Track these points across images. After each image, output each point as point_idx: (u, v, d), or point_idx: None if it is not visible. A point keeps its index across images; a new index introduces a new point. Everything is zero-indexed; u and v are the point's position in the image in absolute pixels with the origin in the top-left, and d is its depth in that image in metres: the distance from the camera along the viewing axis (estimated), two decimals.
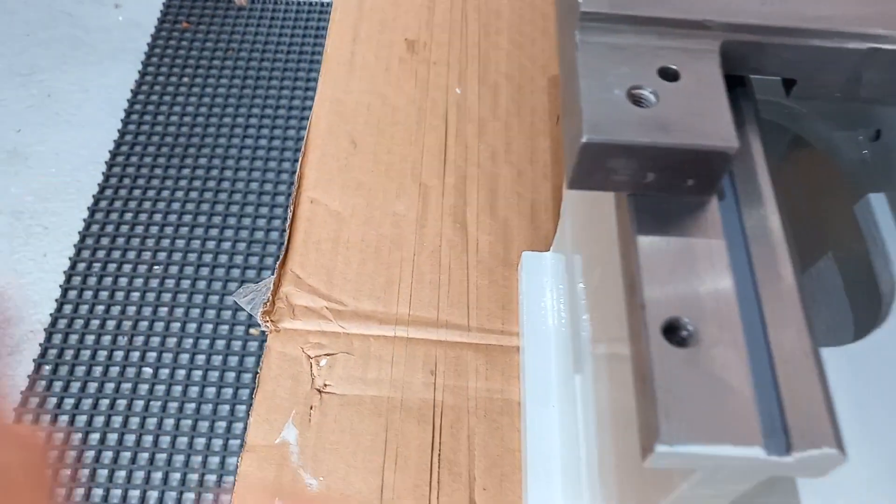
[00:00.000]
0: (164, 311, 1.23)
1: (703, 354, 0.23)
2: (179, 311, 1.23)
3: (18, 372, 1.21)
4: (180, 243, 1.31)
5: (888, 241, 0.32)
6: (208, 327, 1.21)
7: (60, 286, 1.27)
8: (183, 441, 1.12)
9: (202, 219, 1.33)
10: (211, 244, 1.30)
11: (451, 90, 0.58)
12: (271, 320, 0.47)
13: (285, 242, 0.50)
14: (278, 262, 0.49)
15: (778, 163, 0.42)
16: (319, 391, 0.45)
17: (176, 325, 1.22)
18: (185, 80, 1.49)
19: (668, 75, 0.25)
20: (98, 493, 1.10)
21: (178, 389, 1.16)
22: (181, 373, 1.18)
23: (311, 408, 0.45)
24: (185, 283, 1.26)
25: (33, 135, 1.47)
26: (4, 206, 1.37)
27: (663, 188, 0.25)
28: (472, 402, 0.46)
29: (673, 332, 0.23)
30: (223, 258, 1.29)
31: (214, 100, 1.47)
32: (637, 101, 0.25)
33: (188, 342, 1.20)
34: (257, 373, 0.45)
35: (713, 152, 0.24)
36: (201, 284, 1.26)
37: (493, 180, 0.54)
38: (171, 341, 1.21)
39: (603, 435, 0.34)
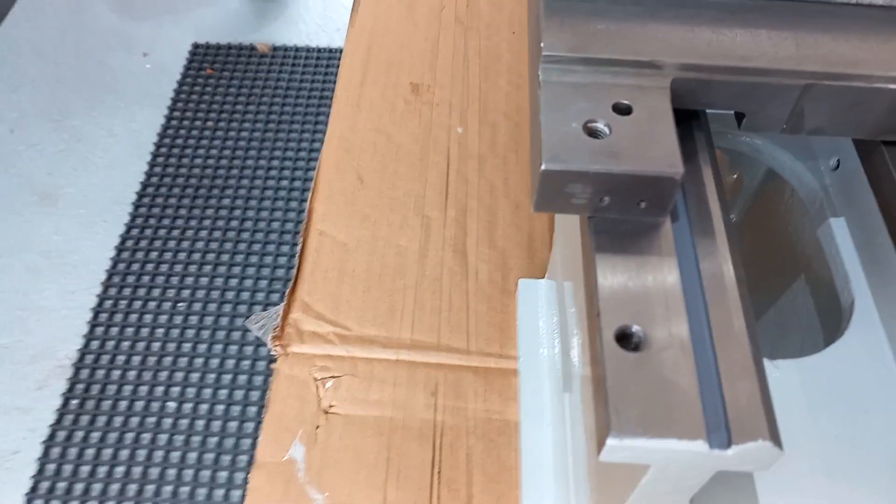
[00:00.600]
0: (187, 346, 1.27)
1: (652, 358, 0.25)
2: (202, 347, 1.27)
3: (48, 405, 1.25)
4: (203, 280, 1.35)
5: (847, 262, 0.35)
6: (227, 349, 1.25)
7: (88, 322, 1.31)
8: (192, 456, 1.15)
9: (225, 257, 1.37)
10: (233, 281, 1.34)
11: (453, 129, 0.61)
12: (281, 345, 0.50)
13: (295, 272, 0.53)
14: (288, 290, 0.52)
15: (753, 193, 0.45)
16: (325, 412, 0.48)
17: (198, 360, 1.26)
18: (210, 123, 1.55)
19: (621, 110, 0.28)
20: None
21: (188, 407, 1.20)
22: (191, 391, 1.21)
23: (318, 427, 0.47)
24: (208, 319, 1.30)
25: (63, 177, 1.53)
26: (35, 245, 1.43)
27: (619, 210, 0.28)
28: (471, 423, 0.48)
29: (625, 338, 0.26)
30: (233, 283, 1.33)
31: (237, 143, 1.52)
32: (592, 133, 0.28)
33: (198, 361, 1.25)
34: (266, 393, 0.48)
35: (660, 178, 0.27)
36: (225, 308, 1.30)
37: (492, 213, 0.57)
38: (194, 376, 1.24)
39: (581, 444, 0.36)
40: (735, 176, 0.46)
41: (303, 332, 0.51)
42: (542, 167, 0.27)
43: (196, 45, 1.68)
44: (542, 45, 0.29)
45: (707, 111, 0.32)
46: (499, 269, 0.54)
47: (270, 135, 1.56)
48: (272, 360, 0.50)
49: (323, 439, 0.47)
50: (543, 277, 0.52)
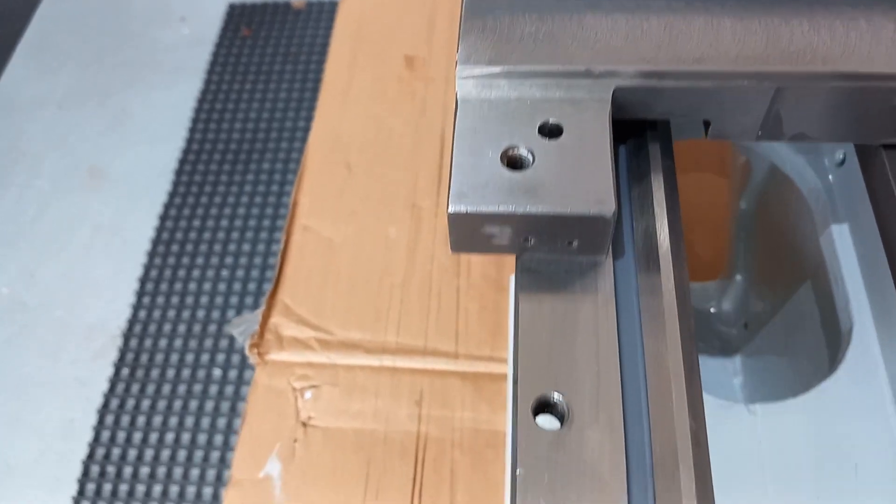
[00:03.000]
0: (231, 313, 1.27)
1: (573, 437, 0.22)
2: (247, 313, 1.27)
3: (103, 375, 1.28)
4: (246, 247, 1.35)
5: (847, 280, 0.30)
6: None
7: (135, 293, 1.33)
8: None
9: (266, 222, 1.37)
10: (276, 246, 1.33)
11: (449, 107, 0.57)
12: (259, 352, 0.48)
13: (276, 272, 0.50)
14: (268, 293, 0.49)
15: (761, 183, 0.39)
16: (304, 424, 0.45)
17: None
18: (248, 86, 1.53)
19: (549, 131, 0.24)
20: None
21: (233, 374, 1.20)
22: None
23: (295, 441, 0.45)
24: (252, 286, 1.30)
25: (109, 153, 1.54)
26: (86, 221, 1.45)
27: (548, 251, 0.24)
28: (457, 434, 0.45)
29: (544, 410, 0.22)
30: (275, 248, 1.32)
31: (276, 104, 1.50)
32: (512, 162, 0.23)
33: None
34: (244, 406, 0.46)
35: (587, 217, 0.22)
36: (268, 273, 1.29)
37: None
38: (239, 342, 1.25)
39: None
40: (744, 160, 0.41)
41: (282, 338, 0.48)
42: (449, 209, 0.23)
43: (232, 6, 1.65)
44: (456, 57, 0.25)
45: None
46: (493, 262, 0.50)
47: (309, 94, 1.53)
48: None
49: (301, 454, 0.45)
50: None
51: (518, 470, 0.21)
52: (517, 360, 0.23)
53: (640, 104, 0.25)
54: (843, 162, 0.31)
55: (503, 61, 0.24)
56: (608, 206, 0.22)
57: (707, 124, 0.26)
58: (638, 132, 0.27)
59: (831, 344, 0.32)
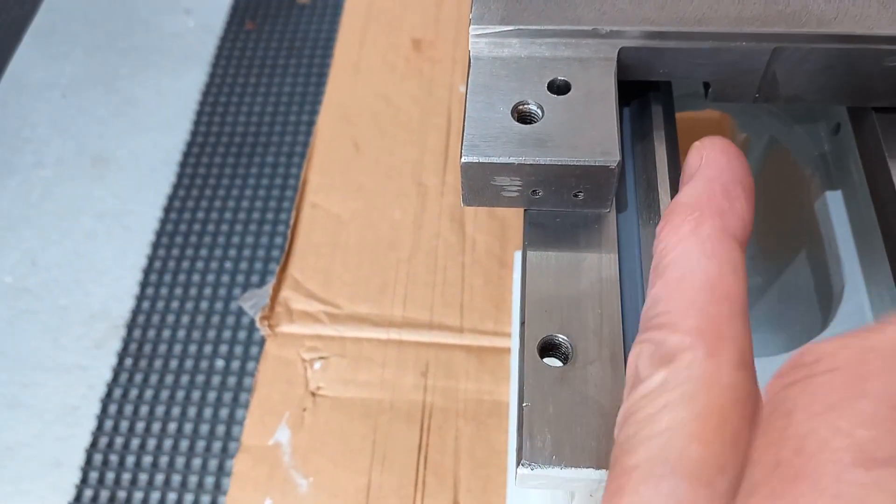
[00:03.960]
0: (234, 304, 1.28)
1: (577, 373, 0.23)
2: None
3: (106, 363, 1.29)
4: (249, 239, 1.36)
5: (840, 243, 0.31)
6: None
7: (139, 283, 1.34)
8: (240, 413, 1.17)
9: (269, 215, 1.38)
10: (278, 239, 1.34)
11: (455, 88, 0.58)
12: (270, 325, 0.49)
13: (286, 247, 0.51)
14: (279, 267, 0.50)
15: (760, 156, 0.40)
16: (313, 394, 0.47)
17: (245, 318, 1.27)
18: (252, 80, 1.54)
19: (557, 88, 0.25)
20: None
21: (236, 365, 1.21)
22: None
23: (304, 410, 0.46)
24: (255, 278, 1.31)
25: (115, 140, 1.55)
26: (90, 208, 1.46)
27: (554, 203, 0.25)
28: (461, 404, 0.46)
29: (550, 350, 0.23)
30: (278, 241, 1.33)
31: (280, 98, 1.51)
32: (522, 117, 0.25)
33: (245, 319, 1.25)
34: (255, 375, 0.47)
35: (593, 167, 0.24)
36: (271, 266, 1.30)
37: None
38: (242, 334, 1.26)
39: None
40: (744, 136, 0.42)
41: (292, 311, 0.49)
42: (462, 160, 0.24)
43: (237, 0, 1.66)
44: (470, 16, 0.26)
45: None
46: (497, 239, 0.52)
47: (313, 88, 1.54)
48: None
49: (309, 422, 0.46)
50: None
51: (525, 403, 0.22)
52: (524, 305, 0.24)
53: (642, 65, 0.26)
54: (837, 130, 0.32)
55: (514, 21, 0.26)
56: (613, 157, 0.23)
57: (707, 87, 0.27)
58: (641, 94, 0.28)
59: (824, 306, 0.33)
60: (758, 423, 0.16)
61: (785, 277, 0.37)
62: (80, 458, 1.22)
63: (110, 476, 1.22)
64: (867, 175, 0.27)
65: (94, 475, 1.21)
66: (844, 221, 0.31)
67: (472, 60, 0.26)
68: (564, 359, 0.23)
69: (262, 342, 1.27)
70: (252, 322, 1.25)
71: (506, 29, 0.26)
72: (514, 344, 0.46)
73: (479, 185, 0.25)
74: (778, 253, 0.38)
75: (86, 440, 1.25)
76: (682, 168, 0.23)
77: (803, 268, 0.36)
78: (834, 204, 0.31)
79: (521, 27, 0.26)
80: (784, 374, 0.15)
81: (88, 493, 1.08)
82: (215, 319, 1.36)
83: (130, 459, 1.22)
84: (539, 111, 0.25)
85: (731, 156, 0.21)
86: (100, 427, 1.27)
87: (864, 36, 0.24)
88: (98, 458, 1.24)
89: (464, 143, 0.24)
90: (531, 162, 0.24)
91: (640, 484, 0.16)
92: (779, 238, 0.39)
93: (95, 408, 1.30)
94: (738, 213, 0.20)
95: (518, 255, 0.49)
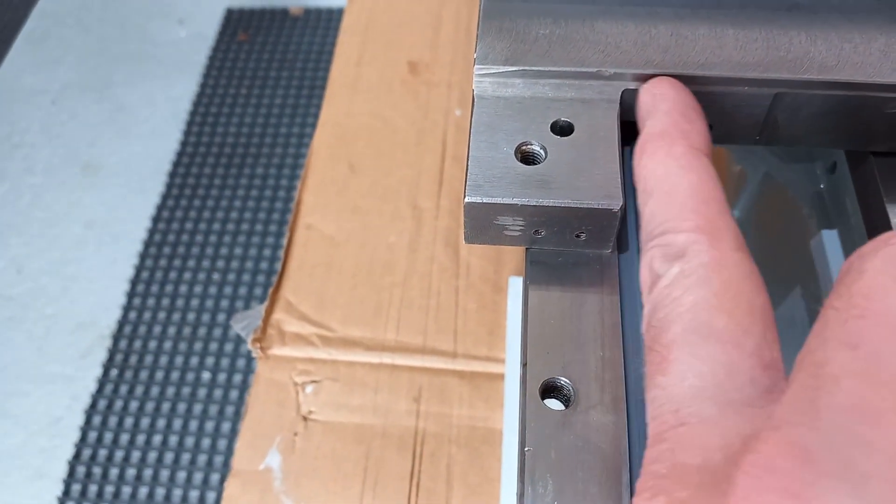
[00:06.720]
0: (222, 316, 1.28)
1: (578, 417, 0.23)
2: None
3: (91, 374, 1.28)
4: (238, 251, 1.35)
5: (835, 279, 0.31)
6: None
7: (125, 293, 1.33)
8: (226, 427, 1.17)
9: (259, 227, 1.37)
10: (267, 251, 1.34)
11: (451, 112, 0.58)
12: (262, 347, 0.48)
13: (280, 268, 0.51)
14: (272, 289, 0.50)
15: (755, 190, 0.41)
16: (304, 418, 0.46)
17: (233, 331, 1.27)
18: (243, 91, 1.54)
19: (561, 129, 0.25)
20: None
21: (222, 378, 1.21)
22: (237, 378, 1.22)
23: (296, 434, 0.46)
24: (243, 290, 1.31)
25: (105, 147, 1.54)
26: (78, 216, 1.45)
27: (556, 243, 0.25)
28: (455, 430, 0.46)
29: (552, 392, 0.23)
30: (267, 252, 1.33)
31: (271, 110, 1.51)
32: (526, 157, 0.25)
33: (233, 332, 1.25)
34: (245, 398, 0.47)
35: (596, 210, 0.24)
36: (259, 278, 1.30)
37: None
38: (228, 346, 1.25)
39: None
40: (739, 169, 0.43)
41: (285, 334, 0.49)
42: (465, 200, 0.24)
43: (230, 11, 1.67)
44: (474, 56, 0.26)
45: None
46: (492, 263, 0.52)
47: (304, 101, 1.55)
48: None
49: (301, 447, 0.46)
50: None
51: (527, 448, 0.22)
52: (525, 345, 0.24)
53: None
54: (833, 168, 0.33)
55: (518, 61, 0.26)
56: (616, 200, 0.24)
57: (710, 128, 0.28)
58: None
59: None
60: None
61: (779, 313, 0.38)
62: (62, 471, 1.21)
63: (93, 489, 1.20)
64: (864, 218, 0.28)
65: (76, 488, 1.20)
66: (840, 260, 0.31)
67: (475, 99, 0.26)
68: (566, 402, 0.23)
69: (248, 355, 1.26)
70: (238, 335, 1.24)
71: (510, 69, 0.26)
72: (507, 373, 0.46)
73: (482, 224, 0.25)
74: (772, 288, 0.38)
75: (69, 452, 1.23)
76: (636, 107, 0.25)
77: (798, 304, 0.36)
78: (830, 242, 0.32)
79: (525, 68, 0.26)
80: (861, 249, 0.17)
81: None
82: (202, 331, 1.35)
83: (114, 472, 1.21)
84: (542, 152, 0.25)
85: (678, 88, 0.24)
86: (83, 439, 1.26)
87: (865, 83, 0.25)
88: (81, 470, 1.23)
89: (467, 184, 0.24)
90: (534, 203, 0.24)
91: (681, 352, 0.18)
92: (773, 274, 0.39)
93: (79, 419, 1.29)
94: (699, 132, 0.23)
95: (513, 281, 0.49)
